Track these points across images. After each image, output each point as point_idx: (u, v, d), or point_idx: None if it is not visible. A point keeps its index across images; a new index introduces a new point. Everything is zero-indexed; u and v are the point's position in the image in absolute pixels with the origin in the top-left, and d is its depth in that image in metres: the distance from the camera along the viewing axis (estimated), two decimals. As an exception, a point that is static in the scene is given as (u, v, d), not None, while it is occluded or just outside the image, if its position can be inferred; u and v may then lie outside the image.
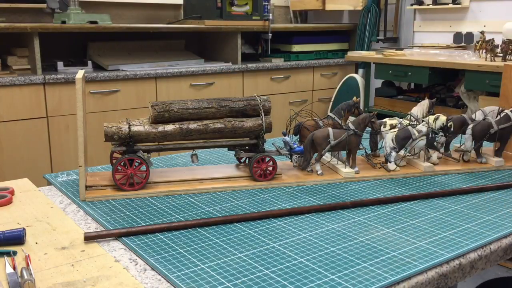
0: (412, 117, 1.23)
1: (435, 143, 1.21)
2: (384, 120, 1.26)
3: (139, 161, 1.03)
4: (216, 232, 0.86)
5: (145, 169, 1.04)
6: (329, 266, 0.74)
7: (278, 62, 3.51)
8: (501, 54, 2.69)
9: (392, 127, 1.23)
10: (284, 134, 1.14)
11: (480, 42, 2.84)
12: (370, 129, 1.21)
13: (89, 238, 0.82)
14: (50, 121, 2.63)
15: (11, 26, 2.54)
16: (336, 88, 3.76)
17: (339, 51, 3.91)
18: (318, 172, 1.14)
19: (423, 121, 1.21)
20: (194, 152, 1.12)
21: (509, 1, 3.13)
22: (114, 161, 1.08)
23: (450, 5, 3.32)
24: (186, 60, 3.25)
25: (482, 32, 2.91)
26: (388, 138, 1.19)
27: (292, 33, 3.75)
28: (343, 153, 1.21)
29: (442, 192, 1.05)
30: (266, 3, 3.49)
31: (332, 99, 3.74)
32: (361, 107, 3.23)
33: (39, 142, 2.61)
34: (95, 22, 2.82)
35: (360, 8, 3.76)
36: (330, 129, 1.14)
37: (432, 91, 3.19)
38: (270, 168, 1.10)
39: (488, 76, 2.58)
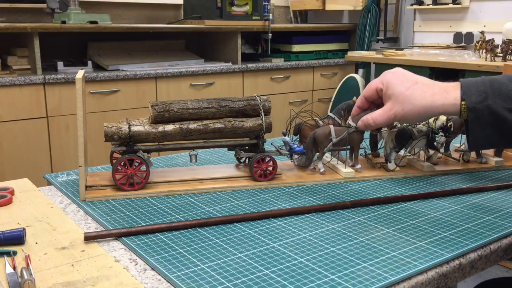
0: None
1: (435, 143, 1.21)
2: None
3: (139, 161, 1.03)
4: (216, 232, 0.86)
5: (145, 169, 1.04)
6: (329, 266, 0.74)
7: (278, 62, 3.51)
8: (501, 54, 2.69)
9: (392, 127, 1.23)
10: (284, 134, 1.14)
11: (480, 42, 2.84)
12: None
13: (89, 238, 0.82)
14: (50, 121, 2.63)
15: (11, 26, 2.54)
16: (336, 88, 3.76)
17: (339, 51, 3.91)
18: (321, 170, 1.14)
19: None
20: (194, 152, 1.12)
21: (509, 1, 3.13)
22: (114, 161, 1.08)
23: (450, 5, 3.32)
24: (186, 60, 3.25)
25: (482, 32, 2.91)
26: (388, 138, 1.19)
27: (292, 33, 3.75)
28: (343, 153, 1.21)
29: (442, 192, 1.04)
30: (266, 3, 3.49)
31: (332, 99, 3.74)
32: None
33: (39, 142, 2.61)
34: (95, 22, 2.82)
35: (360, 8, 3.76)
36: (331, 126, 1.14)
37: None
38: (270, 168, 1.10)
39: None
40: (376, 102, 0.95)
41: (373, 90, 0.92)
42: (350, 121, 1.15)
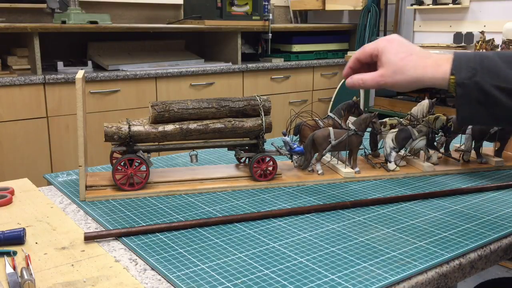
0: (412, 117, 1.23)
1: (435, 143, 1.21)
2: (384, 120, 1.26)
3: (139, 161, 1.03)
4: (216, 232, 0.86)
5: (145, 169, 1.04)
6: (329, 266, 0.74)
7: (278, 62, 3.51)
8: (501, 54, 2.68)
9: (392, 127, 1.23)
10: (284, 134, 1.14)
11: (480, 42, 2.84)
12: (370, 129, 1.21)
13: (89, 238, 0.82)
14: (50, 121, 2.63)
15: (11, 26, 2.54)
16: (336, 88, 3.75)
17: (339, 51, 3.91)
18: (319, 172, 1.14)
19: (423, 121, 1.21)
20: (194, 152, 1.12)
21: (509, 1, 3.13)
22: (114, 161, 1.08)
23: (450, 5, 3.32)
24: (186, 60, 3.25)
25: (482, 32, 2.91)
26: (388, 138, 1.19)
27: (292, 33, 3.75)
28: (343, 153, 1.21)
29: (442, 192, 1.05)
30: (266, 3, 3.49)
31: (332, 99, 3.74)
32: (361, 107, 3.22)
33: (39, 142, 2.61)
34: (95, 22, 2.82)
35: (360, 8, 3.76)
36: (331, 129, 1.14)
37: (432, 91, 3.19)
38: (270, 168, 1.10)
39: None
40: (370, 63, 0.94)
41: (367, 54, 0.92)
42: (350, 123, 1.15)
